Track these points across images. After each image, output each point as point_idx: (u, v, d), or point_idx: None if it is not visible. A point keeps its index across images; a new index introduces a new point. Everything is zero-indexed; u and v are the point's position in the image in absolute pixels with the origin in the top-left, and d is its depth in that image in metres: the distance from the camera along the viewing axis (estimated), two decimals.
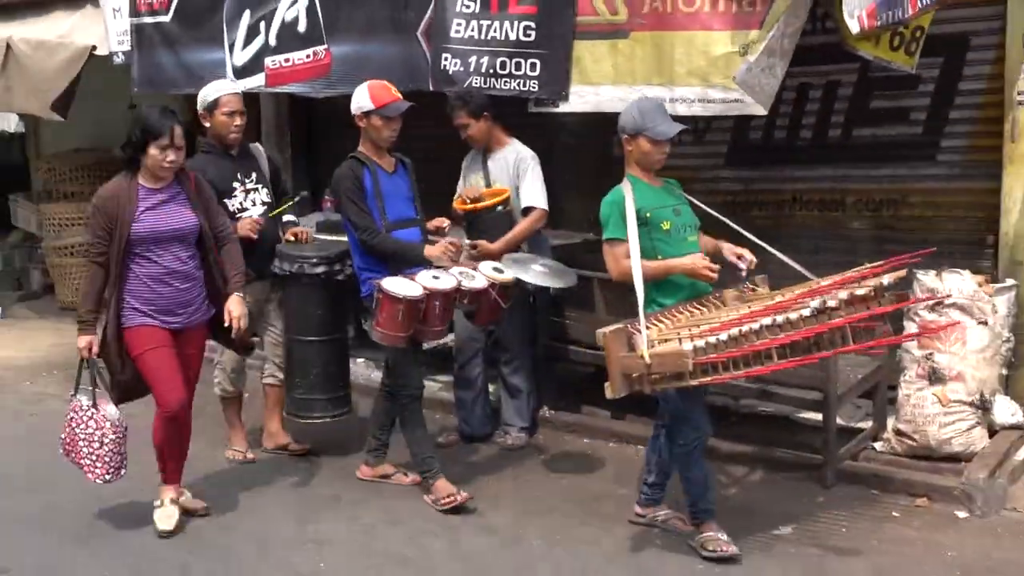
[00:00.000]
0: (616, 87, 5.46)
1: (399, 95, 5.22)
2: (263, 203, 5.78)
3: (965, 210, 6.40)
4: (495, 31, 5.76)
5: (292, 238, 5.84)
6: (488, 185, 5.98)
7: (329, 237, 6.94)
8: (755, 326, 4.00)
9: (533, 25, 5.63)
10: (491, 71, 5.80)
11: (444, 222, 5.56)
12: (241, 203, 5.68)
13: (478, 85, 5.84)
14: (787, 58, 4.99)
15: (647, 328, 4.13)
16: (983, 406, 5.58)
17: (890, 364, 5.82)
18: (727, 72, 4.98)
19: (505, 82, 5.80)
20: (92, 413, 4.80)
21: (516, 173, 5.90)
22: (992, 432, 5.65)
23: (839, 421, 5.53)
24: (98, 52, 7.86)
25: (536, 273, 5.36)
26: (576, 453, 6.09)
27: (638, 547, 4.78)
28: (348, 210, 5.16)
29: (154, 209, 4.73)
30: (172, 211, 4.79)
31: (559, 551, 4.78)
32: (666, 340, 4.09)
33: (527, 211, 5.87)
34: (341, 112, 7.97)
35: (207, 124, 5.69)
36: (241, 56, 6.95)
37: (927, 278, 5.57)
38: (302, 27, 6.60)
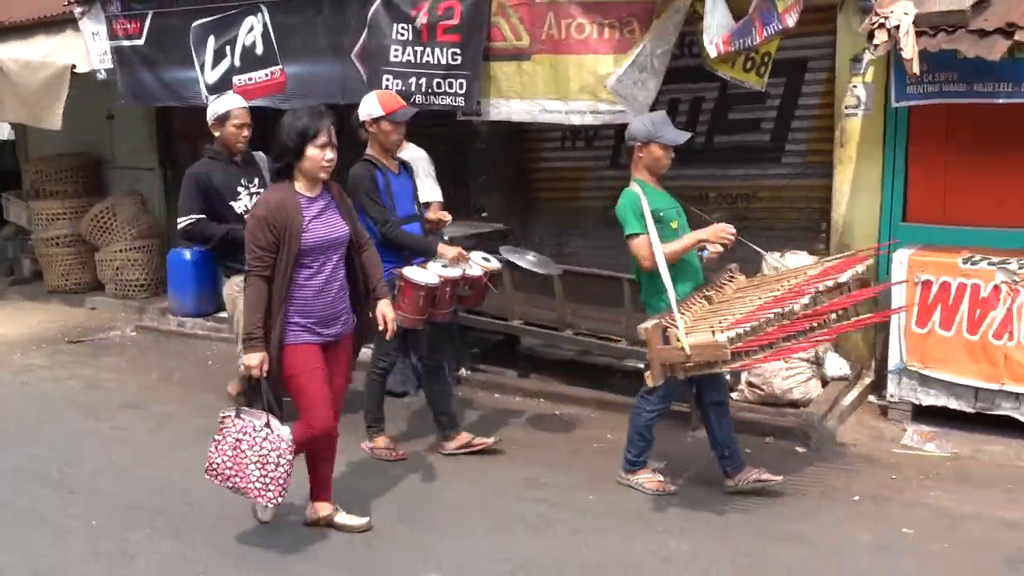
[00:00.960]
0: (523, 101, 5.49)
1: (404, 103, 5.05)
2: None
3: (804, 202, 6.55)
4: (428, 56, 5.74)
5: None
6: None
7: None
8: (770, 315, 3.95)
9: (458, 51, 5.63)
10: (429, 90, 5.80)
11: (447, 216, 5.33)
12: (246, 205, 5.30)
13: (420, 102, 5.83)
14: (659, 76, 5.06)
15: (674, 321, 4.02)
16: (817, 362, 5.76)
17: None
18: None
19: (441, 98, 5.79)
20: (267, 433, 3.82)
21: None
22: (824, 383, 5.82)
23: None
24: (78, 70, 7.66)
25: (529, 262, 5.29)
26: (488, 406, 6.10)
27: (537, 481, 4.83)
28: (367, 206, 4.85)
29: (318, 218, 3.93)
30: (331, 219, 4.00)
31: (475, 488, 4.80)
32: (690, 331, 3.98)
33: (427, 205, 5.72)
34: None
35: (217, 133, 5.37)
36: (212, 75, 6.84)
37: (772, 257, 5.70)
38: (260, 51, 6.54)
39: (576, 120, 5.24)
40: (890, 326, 5.52)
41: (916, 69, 5.05)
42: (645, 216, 4.29)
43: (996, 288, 5.13)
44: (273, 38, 6.43)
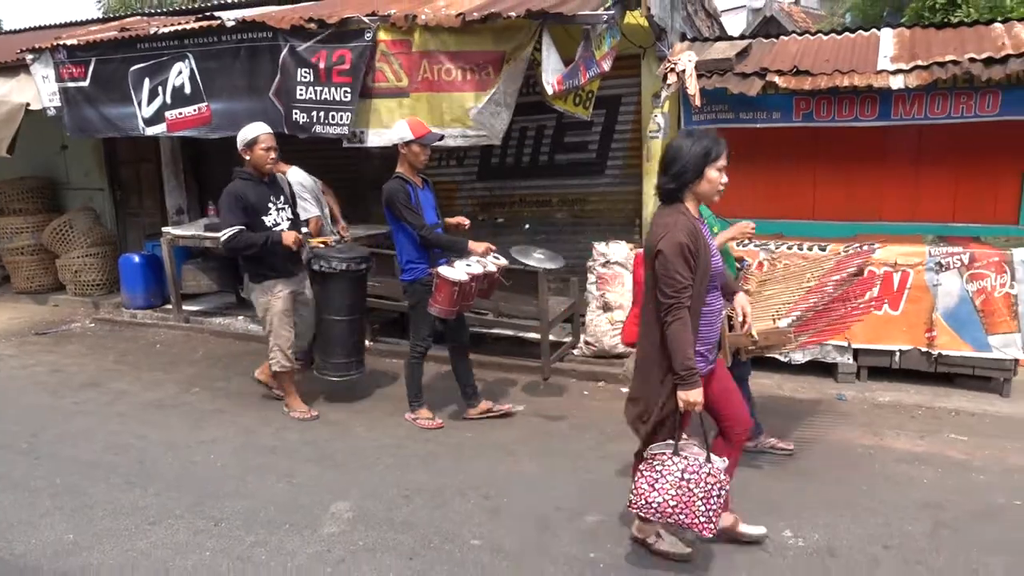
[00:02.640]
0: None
1: (430, 129, 4.66)
2: (288, 219, 4.92)
3: (622, 204, 6.66)
4: (326, 94, 5.56)
5: (322, 245, 5.14)
6: None
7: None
8: (811, 302, 3.74)
9: (348, 90, 5.47)
10: (326, 121, 5.61)
11: (465, 221, 4.92)
12: (275, 220, 4.83)
13: (319, 131, 5.64)
14: (511, 109, 5.04)
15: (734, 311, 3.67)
16: None
17: (581, 300, 6.00)
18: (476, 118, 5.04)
19: (334, 128, 5.60)
20: (709, 468, 2.96)
21: (292, 193, 5.43)
22: None
23: (551, 338, 5.70)
24: (32, 107, 7.07)
25: (537, 259, 4.99)
26: (389, 370, 5.96)
27: (427, 432, 4.78)
28: (405, 214, 4.44)
29: (709, 240, 3.03)
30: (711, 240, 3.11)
31: (377, 434, 4.72)
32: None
33: (306, 222, 5.50)
34: (218, 147, 7.57)
35: (247, 157, 4.79)
36: (148, 110, 6.42)
37: (600, 246, 5.80)
38: (188, 90, 6.18)
39: (450, 142, 5.17)
40: None
41: (698, 102, 5.23)
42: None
43: (760, 263, 5.38)
44: (199, 80, 6.10)
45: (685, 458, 2.99)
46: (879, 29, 5.71)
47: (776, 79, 5.08)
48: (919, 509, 3.61)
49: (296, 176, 5.72)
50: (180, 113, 6.26)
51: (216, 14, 6.49)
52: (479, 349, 6.11)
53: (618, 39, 5.44)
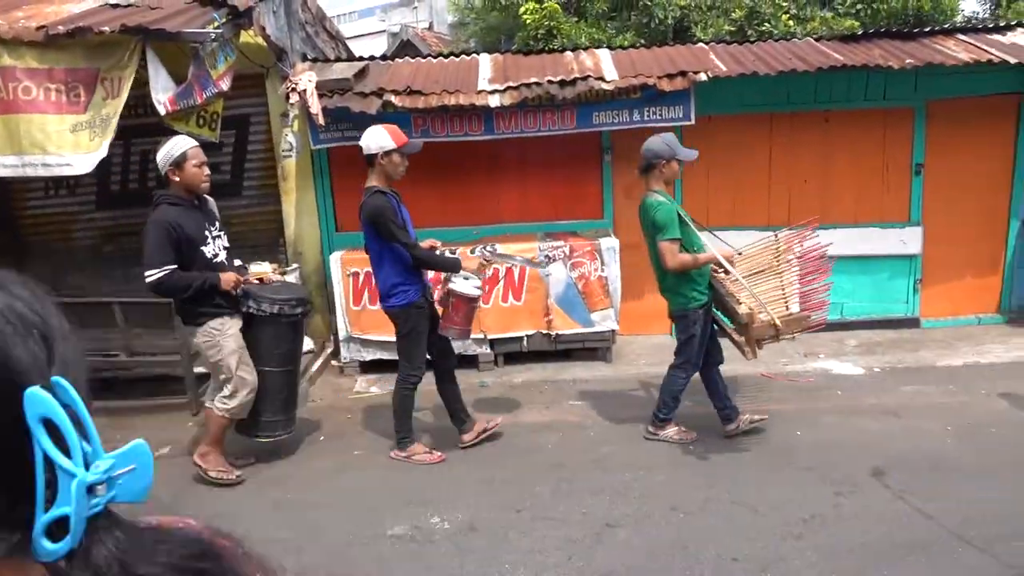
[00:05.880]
0: None
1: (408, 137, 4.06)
2: (225, 248, 4.02)
3: (264, 224, 6.40)
4: None
5: (258, 281, 4.19)
6: None
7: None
8: (795, 284, 3.88)
9: None
10: None
11: (437, 243, 4.24)
12: (214, 250, 3.90)
13: None
14: (112, 132, 4.50)
15: (740, 303, 3.88)
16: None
17: None
18: (59, 143, 4.36)
19: None
20: None
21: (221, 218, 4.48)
22: None
23: (198, 370, 5.21)
24: None
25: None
26: None
27: None
28: (396, 234, 3.87)
29: None
30: None
31: None
32: (760, 310, 3.78)
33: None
34: None
35: (176, 179, 3.79)
36: None
37: (251, 265, 5.48)
38: None
39: (31, 172, 4.41)
40: (335, 307, 5.67)
41: (322, 121, 5.22)
42: (678, 223, 3.92)
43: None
44: None
45: None
46: (479, 54, 6.25)
47: (392, 98, 5.28)
48: (545, 471, 4.03)
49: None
50: None
51: None
52: (112, 395, 5.39)
53: (234, 58, 5.17)
